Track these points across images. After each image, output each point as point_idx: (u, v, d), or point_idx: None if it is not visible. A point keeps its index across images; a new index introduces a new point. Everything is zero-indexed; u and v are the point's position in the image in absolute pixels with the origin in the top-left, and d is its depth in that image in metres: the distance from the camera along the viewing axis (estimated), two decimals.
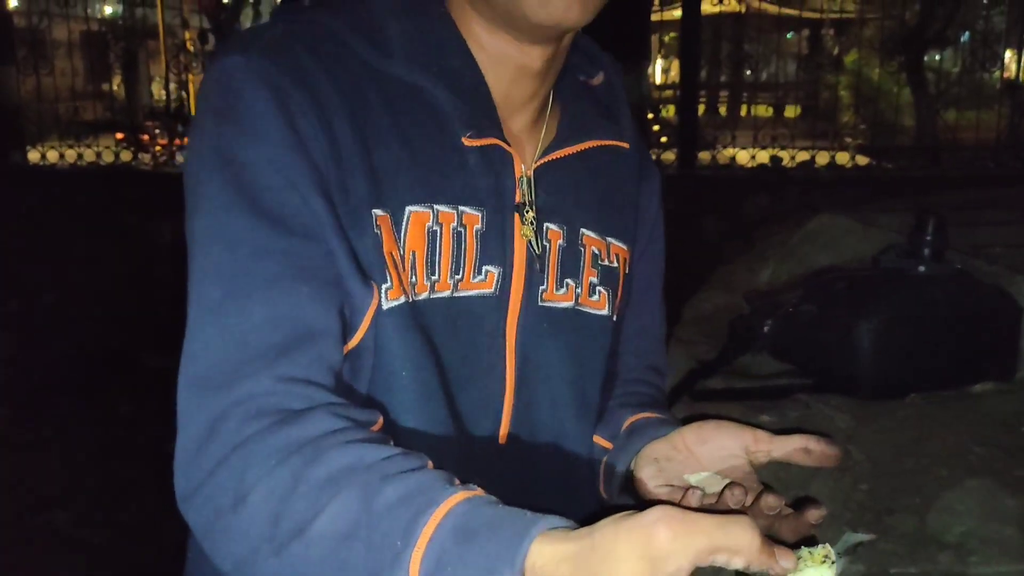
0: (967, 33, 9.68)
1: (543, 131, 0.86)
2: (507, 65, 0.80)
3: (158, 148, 7.10)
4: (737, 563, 0.54)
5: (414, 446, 0.67)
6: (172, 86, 7.65)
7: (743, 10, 9.44)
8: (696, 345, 1.87)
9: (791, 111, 8.42)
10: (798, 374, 1.63)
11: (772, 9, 8.60)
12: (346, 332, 0.73)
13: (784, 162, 6.55)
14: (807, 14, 9.60)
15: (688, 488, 0.77)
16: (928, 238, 1.59)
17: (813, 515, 0.74)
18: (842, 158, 6.84)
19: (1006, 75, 8.50)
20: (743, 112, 10.68)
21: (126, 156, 6.65)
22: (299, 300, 0.70)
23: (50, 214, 5.74)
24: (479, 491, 0.61)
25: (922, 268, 1.59)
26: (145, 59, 8.05)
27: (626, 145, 0.91)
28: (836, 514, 1.21)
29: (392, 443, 0.68)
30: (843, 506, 1.25)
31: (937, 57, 8.66)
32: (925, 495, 1.24)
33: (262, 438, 0.66)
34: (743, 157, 6.60)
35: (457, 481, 0.62)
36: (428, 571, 0.56)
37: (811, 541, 0.65)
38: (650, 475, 0.82)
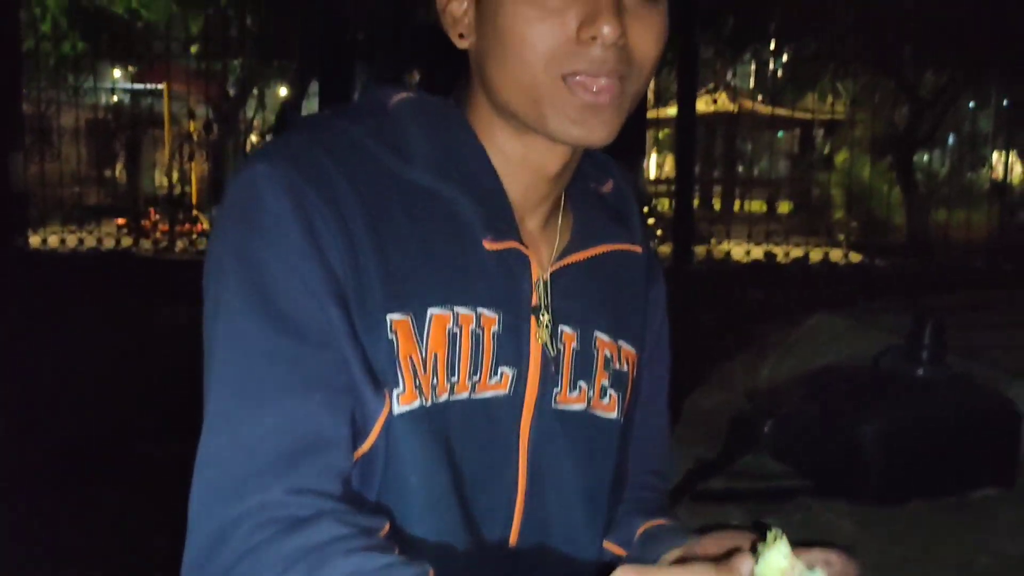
0: (954, 135, 9.95)
1: (557, 234, 0.87)
2: (525, 168, 0.83)
3: (159, 234, 7.18)
4: None
5: (423, 551, 0.66)
6: (175, 174, 7.79)
7: (736, 109, 9.72)
8: (696, 445, 1.86)
9: (784, 207, 8.59)
10: (800, 475, 1.62)
11: (764, 109, 8.84)
12: (357, 438, 0.74)
13: (779, 258, 6.65)
14: (798, 114, 9.87)
15: None
16: (927, 341, 1.60)
17: None
18: (835, 255, 6.95)
19: (994, 176, 8.69)
20: (737, 207, 10.87)
21: (127, 241, 6.73)
22: (310, 408, 0.71)
23: (49, 298, 5.76)
24: None
25: (921, 371, 1.60)
26: (149, 146, 8.21)
27: (639, 249, 0.92)
28: None
29: (397, 549, 0.67)
30: None
31: (926, 157, 8.86)
32: None
33: (270, 546, 0.66)
34: (738, 252, 6.70)
35: None
36: None
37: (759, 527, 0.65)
38: None
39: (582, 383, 0.86)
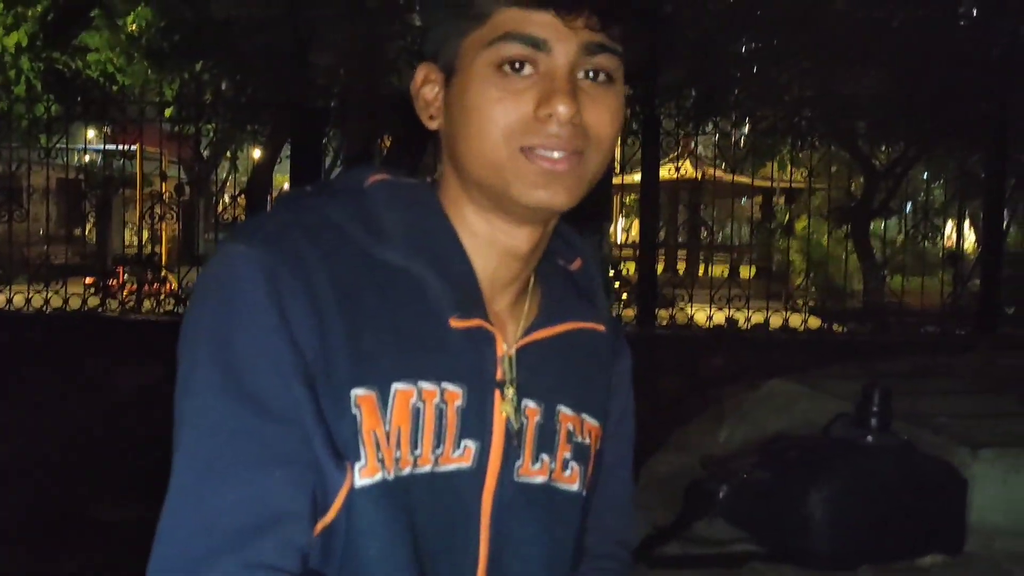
0: (909, 204, 10.25)
1: (525, 310, 0.92)
2: (495, 248, 0.87)
3: (126, 294, 7.14)
4: None
5: None
6: (145, 233, 7.78)
7: (699, 176, 9.96)
8: (652, 510, 1.91)
9: (745, 271, 8.74)
10: (753, 541, 1.67)
11: (727, 177, 9.07)
12: (319, 512, 0.77)
13: (739, 323, 6.75)
14: (759, 182, 10.13)
15: None
16: (875, 409, 1.68)
17: None
18: (795, 320, 7.08)
19: (948, 244, 8.95)
20: (701, 272, 11.03)
21: (93, 302, 6.67)
22: (271, 484, 0.74)
23: (12, 359, 5.68)
24: None
25: (870, 439, 1.67)
26: (120, 207, 8.20)
27: (602, 328, 0.97)
28: None
29: None
30: None
31: (883, 226, 9.11)
32: None
33: None
34: (700, 317, 6.81)
35: None
36: None
37: None
38: None
39: (544, 456, 0.90)
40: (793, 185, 8.98)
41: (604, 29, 0.81)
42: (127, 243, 7.60)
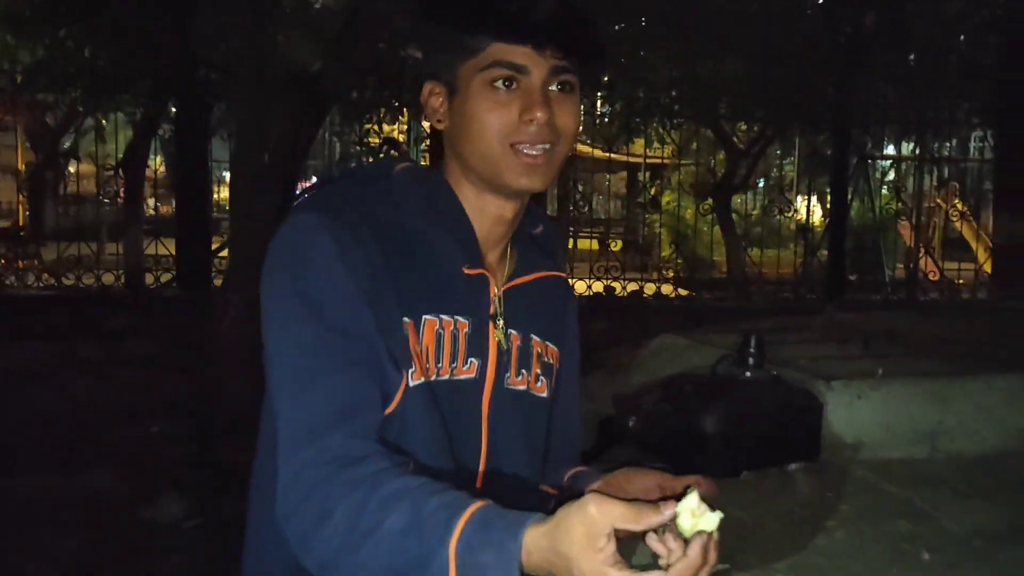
0: (762, 180, 11.00)
1: (507, 263, 1.22)
2: (487, 216, 1.16)
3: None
4: (644, 524, 0.83)
5: None
6: None
7: (573, 152, 10.43)
8: None
9: (614, 244, 9.20)
10: (658, 459, 2.02)
11: (598, 153, 9.53)
12: (384, 403, 1.05)
13: (617, 292, 7.22)
14: (631, 159, 10.64)
15: None
16: (751, 351, 2.06)
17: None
18: (667, 288, 7.62)
19: (798, 218, 9.69)
20: (570, 244, 11.49)
21: None
22: (351, 381, 1.01)
23: None
24: (490, 502, 0.91)
25: (748, 374, 2.05)
26: None
27: (563, 275, 1.29)
28: None
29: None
30: None
31: (742, 200, 9.78)
32: (760, 538, 1.64)
33: (337, 475, 0.95)
34: (580, 287, 7.23)
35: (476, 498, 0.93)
36: (460, 551, 0.86)
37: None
38: None
39: (524, 371, 1.21)
40: (664, 160, 9.51)
41: (566, 57, 1.10)
42: None
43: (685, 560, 0.82)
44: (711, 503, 0.87)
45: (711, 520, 0.85)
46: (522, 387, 1.20)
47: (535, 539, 0.84)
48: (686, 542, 0.84)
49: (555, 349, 1.27)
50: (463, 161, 1.15)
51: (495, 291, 1.18)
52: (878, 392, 2.16)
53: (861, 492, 1.93)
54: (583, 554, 0.81)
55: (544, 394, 1.24)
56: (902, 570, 1.58)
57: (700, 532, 0.84)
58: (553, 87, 1.11)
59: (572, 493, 1.22)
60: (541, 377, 1.23)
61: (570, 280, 1.39)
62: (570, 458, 1.31)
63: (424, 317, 1.10)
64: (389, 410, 1.06)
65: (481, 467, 1.16)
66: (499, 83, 1.09)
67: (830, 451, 2.05)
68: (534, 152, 1.10)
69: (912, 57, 8.89)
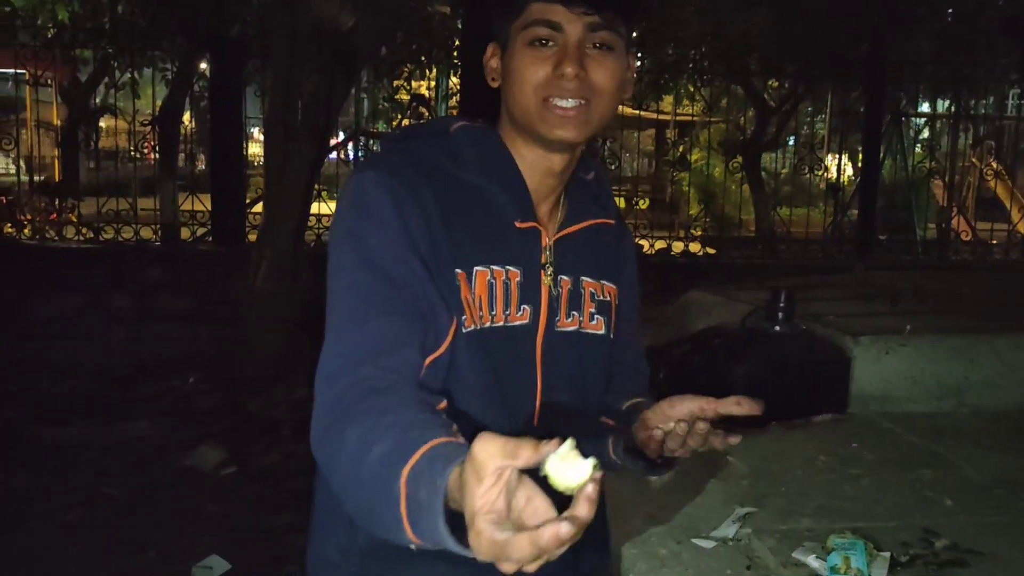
0: (792, 138, 10.89)
1: (559, 213, 1.28)
2: (538, 169, 1.22)
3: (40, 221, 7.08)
4: (522, 460, 0.78)
5: (471, 425, 1.03)
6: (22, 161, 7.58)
7: None
8: None
9: (643, 203, 9.16)
10: None
11: (631, 112, 9.46)
12: (432, 347, 1.11)
13: (645, 249, 7.24)
14: (662, 116, 10.55)
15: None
16: (781, 305, 2.11)
17: (732, 440, 1.17)
18: (695, 247, 7.63)
19: (828, 177, 9.60)
20: None
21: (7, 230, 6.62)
22: (393, 326, 1.08)
23: None
24: (460, 439, 0.91)
25: (777, 328, 2.10)
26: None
27: (612, 221, 1.34)
28: (727, 498, 1.66)
29: (443, 414, 1.03)
30: (731, 493, 1.69)
31: (772, 159, 9.69)
32: (788, 484, 1.70)
33: (360, 404, 1.01)
34: None
35: (457, 435, 0.93)
36: (409, 483, 0.87)
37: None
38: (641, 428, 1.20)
39: (575, 312, 1.28)
40: (694, 118, 9.41)
41: (600, 13, 1.15)
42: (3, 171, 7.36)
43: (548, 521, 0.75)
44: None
45: (583, 468, 0.77)
46: (572, 328, 1.27)
47: (455, 478, 0.83)
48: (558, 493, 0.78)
49: (612, 287, 1.32)
50: (511, 115, 1.21)
51: (546, 241, 1.24)
52: (905, 347, 2.21)
53: (886, 443, 1.99)
54: (467, 494, 0.78)
55: (601, 331, 1.30)
56: (925, 515, 1.64)
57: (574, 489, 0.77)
58: (590, 45, 1.16)
59: (627, 423, 1.28)
60: (596, 316, 1.29)
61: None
62: (636, 388, 1.36)
63: (476, 268, 1.17)
64: (437, 354, 1.12)
65: (536, 409, 1.23)
66: (537, 41, 1.15)
67: (857, 404, 2.11)
68: (565, 105, 1.16)
69: (949, 11, 8.73)
